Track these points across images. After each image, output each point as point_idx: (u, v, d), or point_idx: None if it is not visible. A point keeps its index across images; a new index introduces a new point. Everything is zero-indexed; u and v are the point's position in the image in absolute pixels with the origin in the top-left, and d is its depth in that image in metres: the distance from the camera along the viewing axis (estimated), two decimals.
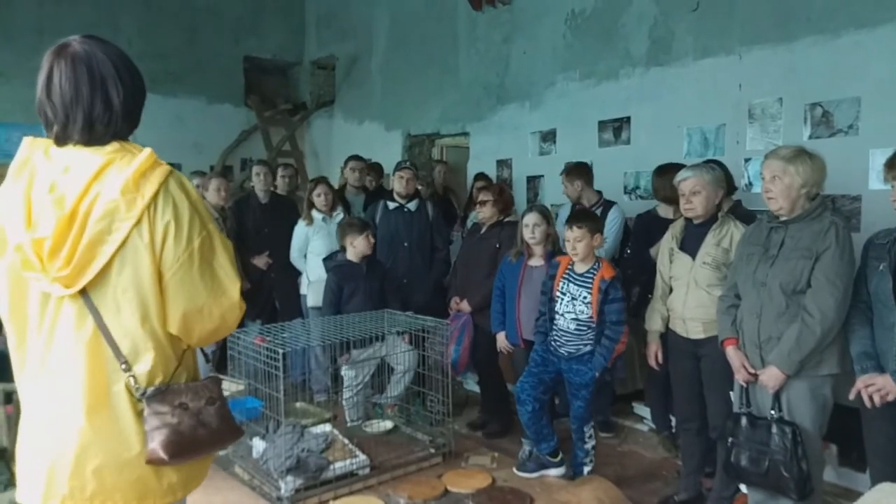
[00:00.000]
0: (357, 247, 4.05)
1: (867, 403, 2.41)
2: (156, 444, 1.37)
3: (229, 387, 4.30)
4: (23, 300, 1.40)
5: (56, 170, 1.38)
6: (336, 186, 5.36)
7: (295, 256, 4.86)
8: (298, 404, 4.40)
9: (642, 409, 4.32)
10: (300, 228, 4.79)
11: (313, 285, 4.64)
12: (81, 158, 1.39)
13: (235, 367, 3.48)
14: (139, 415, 1.40)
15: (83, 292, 1.36)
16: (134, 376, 1.39)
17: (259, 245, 5.16)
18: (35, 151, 1.42)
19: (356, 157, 5.44)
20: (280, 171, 5.64)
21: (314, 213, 4.76)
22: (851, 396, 2.46)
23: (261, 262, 5.07)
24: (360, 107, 7.71)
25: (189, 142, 7.63)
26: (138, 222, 1.35)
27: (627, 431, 4.23)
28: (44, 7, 6.73)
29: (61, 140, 1.42)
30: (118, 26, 7.24)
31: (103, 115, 1.40)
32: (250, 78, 8.25)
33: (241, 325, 4.88)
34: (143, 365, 1.40)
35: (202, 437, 1.43)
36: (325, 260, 4.34)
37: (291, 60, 8.53)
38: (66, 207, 1.33)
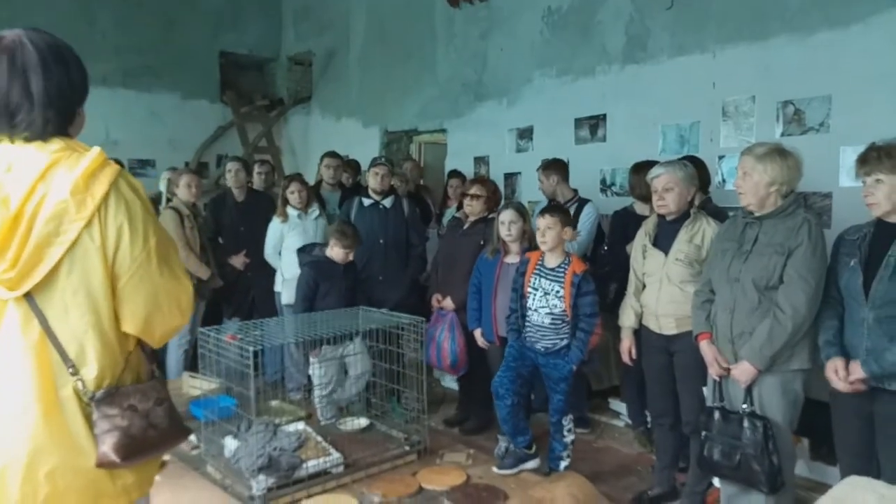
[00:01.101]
0: (335, 253, 3.99)
1: (839, 387, 2.42)
2: (107, 447, 1.35)
3: (202, 385, 4.27)
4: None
5: (17, 169, 1.33)
6: (312, 183, 5.31)
7: (269, 253, 4.81)
8: (273, 402, 4.36)
9: (618, 405, 4.34)
10: (275, 225, 4.74)
11: (287, 283, 4.59)
12: (25, 156, 1.34)
13: (206, 365, 3.42)
14: (89, 418, 1.37)
15: (28, 295, 1.33)
16: (82, 380, 1.36)
17: (236, 243, 5.10)
18: (8, 151, 1.37)
19: (331, 154, 5.40)
20: (256, 168, 5.58)
21: (289, 209, 4.71)
22: (835, 384, 2.46)
23: (238, 261, 5.02)
24: (337, 103, 7.66)
25: (164, 137, 7.54)
26: (88, 223, 1.31)
27: (603, 427, 4.24)
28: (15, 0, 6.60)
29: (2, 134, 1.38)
30: (94, 19, 7.14)
31: (21, 104, 1.35)
32: (227, 73, 8.16)
33: (218, 322, 4.85)
34: (91, 368, 1.37)
35: (152, 437, 1.42)
36: (299, 251, 4.23)
37: (268, 56, 8.46)
38: (10, 209, 1.29)
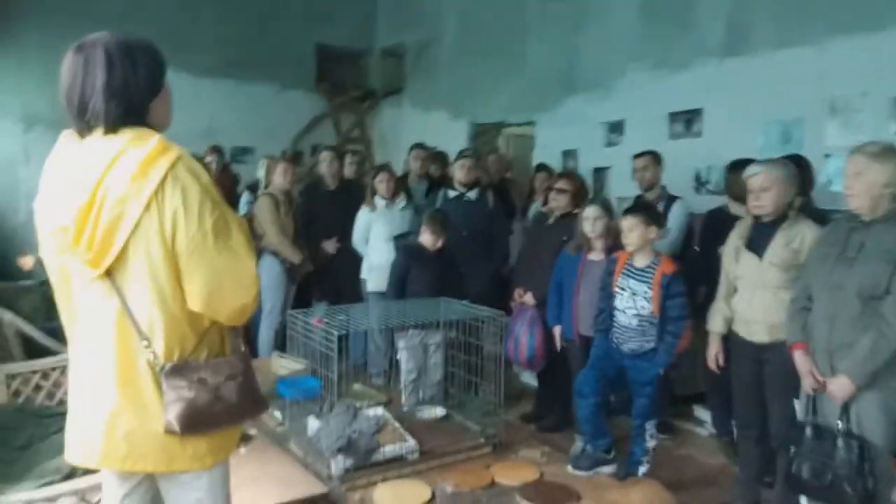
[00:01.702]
0: (425, 238, 4.07)
1: None
2: (171, 416, 1.45)
3: (290, 365, 4.44)
4: (66, 281, 1.53)
5: (79, 160, 1.47)
6: (400, 174, 5.40)
7: (357, 241, 4.93)
8: (356, 386, 4.48)
9: (702, 413, 4.18)
10: (363, 214, 4.85)
11: (373, 270, 4.69)
12: (99, 147, 1.46)
13: (294, 346, 3.56)
14: (160, 387, 1.48)
15: (109, 273, 1.45)
16: (154, 352, 1.47)
17: (327, 229, 5.25)
18: (66, 144, 1.52)
19: (420, 146, 5.46)
20: (348, 158, 5.72)
21: (377, 199, 4.81)
22: None
23: (330, 246, 5.17)
24: (427, 95, 7.73)
25: (263, 126, 7.85)
26: (147, 207, 1.41)
27: (686, 434, 4.10)
28: None
29: (78, 130, 1.51)
30: (197, 14, 7.52)
31: (89, 98, 1.46)
32: (322, 65, 8.40)
33: (308, 304, 5.03)
34: (159, 342, 1.48)
35: (219, 411, 1.50)
36: (396, 238, 4.40)
37: (362, 48, 8.63)
38: (85, 196, 1.42)
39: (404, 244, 4.27)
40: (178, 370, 1.47)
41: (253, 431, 3.41)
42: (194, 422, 1.47)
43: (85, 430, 1.51)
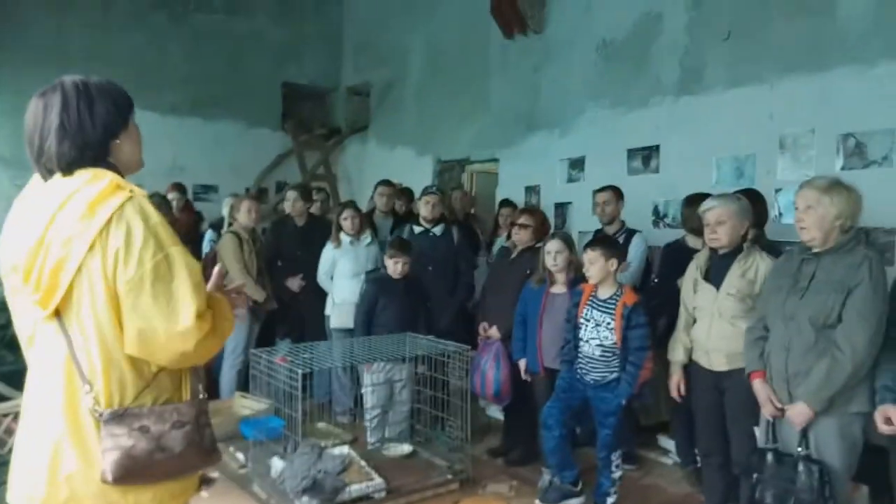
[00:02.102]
0: (389, 265, 4.11)
1: (886, 432, 2.32)
2: (106, 464, 1.40)
3: (253, 405, 4.37)
4: (21, 318, 1.51)
5: (36, 201, 1.47)
6: (366, 210, 5.42)
7: (322, 278, 4.91)
8: (320, 424, 4.42)
9: (667, 442, 4.22)
10: (327, 251, 4.85)
11: (337, 307, 4.67)
12: (56, 188, 1.46)
13: (257, 386, 3.51)
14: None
15: (59, 314, 1.43)
16: (95, 397, 1.42)
17: (294, 266, 5.22)
18: (32, 185, 1.52)
19: (385, 182, 5.51)
20: (313, 195, 5.73)
21: (342, 235, 4.81)
22: (882, 430, 2.36)
23: (294, 284, 5.13)
24: (393, 132, 7.82)
25: (227, 164, 7.84)
26: (91, 247, 1.38)
27: (651, 464, 4.12)
28: (95, 34, 7.03)
29: (40, 173, 1.51)
30: (165, 52, 7.53)
31: (44, 140, 1.47)
32: (288, 103, 8.46)
33: (272, 342, 4.97)
34: (100, 386, 1.43)
35: (159, 461, 1.43)
36: (367, 273, 4.47)
37: (328, 86, 8.73)
38: (35, 236, 1.41)
39: (373, 276, 4.31)
40: (118, 417, 1.41)
41: (215, 474, 3.33)
42: (129, 472, 1.40)
43: (29, 472, 1.46)
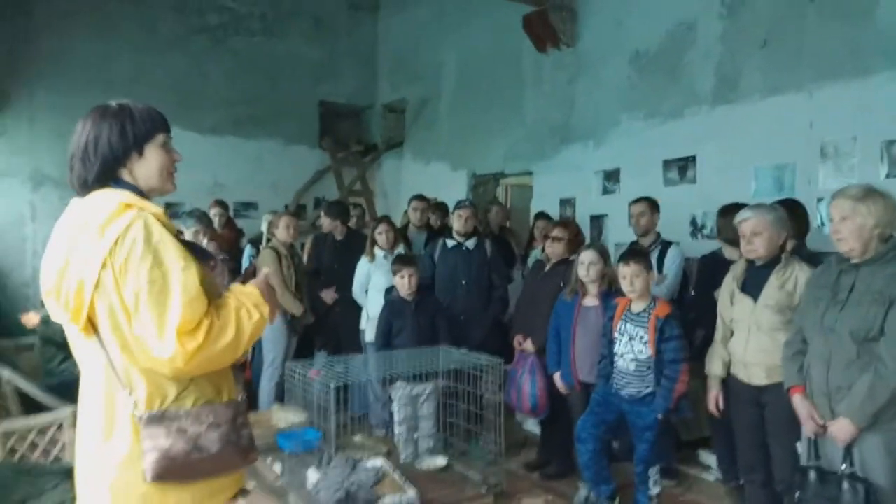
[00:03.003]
0: (397, 285, 4.13)
1: None
2: (146, 464, 1.46)
3: (290, 417, 4.42)
4: (69, 336, 1.59)
5: (63, 223, 1.57)
6: (400, 225, 5.47)
7: (357, 292, 4.96)
8: (357, 437, 4.44)
9: (708, 457, 4.12)
10: (362, 265, 4.90)
11: (371, 321, 4.71)
12: (76, 209, 1.56)
13: (293, 398, 3.55)
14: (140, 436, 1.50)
15: (93, 327, 1.50)
16: (136, 402, 1.49)
17: (331, 280, 5.30)
18: (68, 207, 1.61)
19: (419, 197, 5.55)
20: (349, 211, 5.81)
21: (376, 249, 4.86)
22: None
23: (328, 296, 5.20)
24: (428, 147, 7.88)
25: (267, 181, 8.01)
26: (104, 266, 1.46)
27: (692, 480, 4.03)
28: (139, 58, 7.29)
29: (76, 192, 1.62)
30: (206, 75, 7.75)
31: (72, 161, 1.60)
32: (325, 121, 8.61)
33: (309, 355, 5.04)
34: (140, 391, 1.50)
35: (195, 461, 1.49)
36: (386, 291, 4.45)
37: (364, 104, 8.85)
38: (61, 260, 1.51)
39: (388, 299, 4.32)
40: (156, 419, 1.48)
41: (251, 485, 3.37)
42: (168, 472, 1.47)
43: (81, 482, 1.54)
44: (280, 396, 4.91)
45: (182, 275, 1.48)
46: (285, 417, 4.51)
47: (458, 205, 4.71)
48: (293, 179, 8.21)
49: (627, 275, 3.32)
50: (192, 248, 1.78)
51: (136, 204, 1.53)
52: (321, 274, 5.32)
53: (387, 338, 4.12)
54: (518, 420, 4.96)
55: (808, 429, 2.58)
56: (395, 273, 4.16)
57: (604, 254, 3.71)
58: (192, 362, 1.46)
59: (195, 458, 1.49)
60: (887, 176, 3.73)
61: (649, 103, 5.23)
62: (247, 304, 1.57)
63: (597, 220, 5.65)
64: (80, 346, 1.55)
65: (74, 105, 1.69)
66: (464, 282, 4.47)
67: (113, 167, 1.58)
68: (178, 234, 1.67)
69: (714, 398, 3.16)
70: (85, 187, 1.57)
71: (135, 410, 1.48)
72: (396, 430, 4.02)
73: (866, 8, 3.89)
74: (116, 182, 1.58)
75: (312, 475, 3.45)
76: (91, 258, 1.45)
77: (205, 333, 1.47)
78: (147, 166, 1.61)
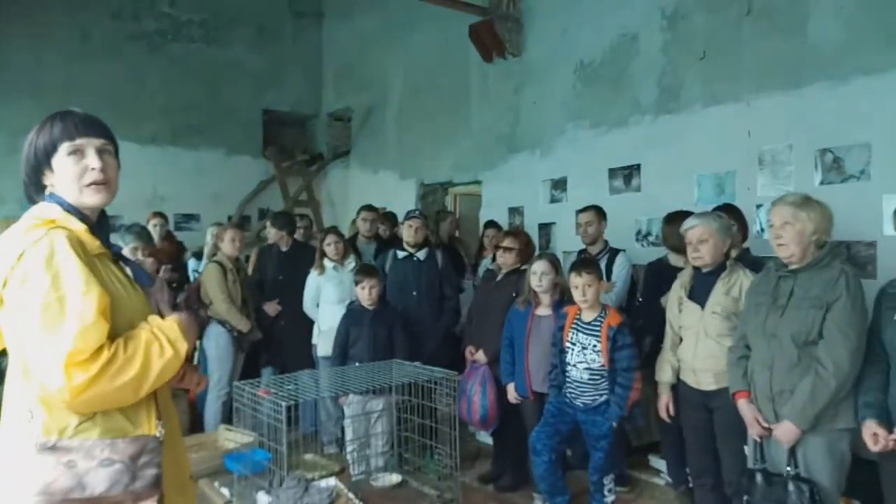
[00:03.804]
0: (357, 294, 4.11)
1: (874, 450, 2.32)
2: (25, 496, 1.37)
3: (238, 438, 4.29)
4: None
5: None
6: (348, 235, 5.39)
7: (308, 306, 4.86)
8: (308, 456, 4.35)
9: (658, 462, 4.19)
10: (312, 278, 4.81)
11: (323, 334, 4.63)
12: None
13: (241, 418, 3.45)
14: None
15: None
16: (35, 428, 1.41)
17: (275, 292, 5.17)
18: None
19: (368, 207, 5.49)
20: (296, 222, 5.68)
21: (326, 261, 4.78)
22: (871, 448, 2.35)
23: (270, 308, 5.08)
24: (375, 156, 7.82)
25: (209, 192, 7.79)
26: (5, 284, 1.39)
27: (643, 485, 4.09)
28: (73, 65, 7.01)
29: None
30: (143, 82, 7.51)
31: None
32: (269, 130, 8.45)
33: (256, 373, 4.90)
34: (38, 419, 1.42)
35: (77, 499, 1.38)
36: (349, 304, 4.47)
37: (309, 112, 8.73)
38: None
39: (349, 307, 4.33)
40: (49, 448, 1.38)
41: None
42: None
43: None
44: (227, 417, 4.77)
45: (80, 300, 1.38)
46: (233, 438, 4.39)
47: (408, 215, 4.68)
48: (236, 190, 8.02)
49: (580, 284, 3.34)
50: (134, 272, 1.69)
51: (57, 220, 1.46)
52: (264, 287, 5.19)
53: (344, 347, 4.12)
54: (471, 431, 4.94)
55: (753, 432, 2.65)
56: (356, 283, 4.15)
57: (555, 263, 3.73)
58: (81, 397, 1.35)
59: (76, 496, 1.37)
60: (821, 183, 3.87)
61: (594, 112, 5.31)
62: (161, 338, 1.46)
63: (545, 228, 5.70)
64: (4, 363, 1.49)
65: (5, 115, 1.60)
66: (414, 293, 4.44)
67: (36, 181, 1.54)
68: (108, 252, 1.58)
69: (665, 404, 3.21)
70: (29, 200, 1.55)
71: (35, 437, 1.39)
72: (348, 447, 3.96)
73: (798, 22, 4.04)
74: (50, 196, 1.52)
75: (263, 498, 3.36)
76: (1, 274, 1.39)
77: (100, 366, 1.36)
78: (61, 179, 1.53)
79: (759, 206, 4.18)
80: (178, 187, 7.59)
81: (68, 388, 1.33)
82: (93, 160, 1.54)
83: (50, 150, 1.53)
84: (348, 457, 3.95)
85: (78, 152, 1.53)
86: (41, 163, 1.53)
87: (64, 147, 1.53)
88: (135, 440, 1.45)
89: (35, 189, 1.55)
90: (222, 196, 7.87)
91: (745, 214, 3.87)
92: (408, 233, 4.56)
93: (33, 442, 1.39)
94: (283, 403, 3.01)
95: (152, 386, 1.44)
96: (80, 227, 1.49)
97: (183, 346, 1.48)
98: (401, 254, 4.59)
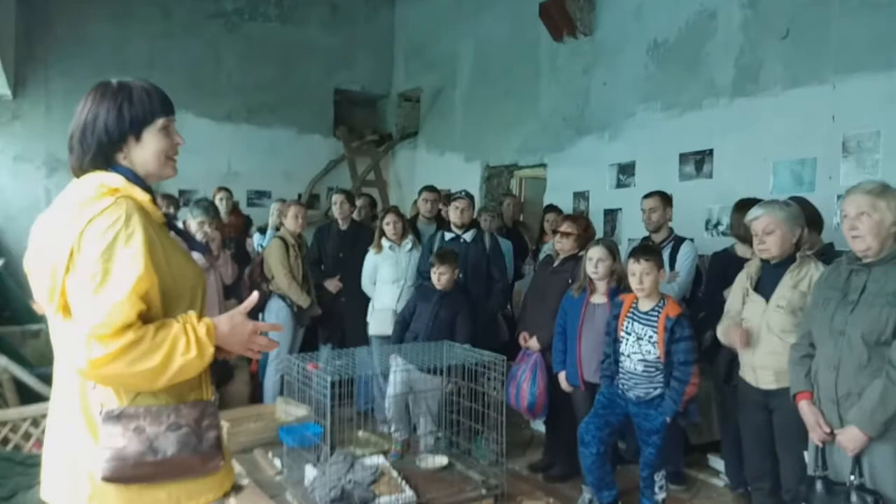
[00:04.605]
0: (433, 276, 4.11)
1: None
2: (98, 463, 1.40)
3: (295, 411, 4.38)
4: (49, 317, 1.51)
5: (55, 204, 1.51)
6: (409, 216, 5.39)
7: (365, 284, 4.91)
8: (361, 433, 4.39)
9: (717, 462, 4.01)
10: (370, 257, 4.84)
11: (377, 313, 4.66)
12: (66, 192, 1.50)
13: (291, 392, 3.51)
14: None
15: (69, 312, 1.42)
16: (101, 396, 1.43)
17: (335, 270, 5.25)
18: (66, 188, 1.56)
19: (429, 188, 5.47)
20: (358, 202, 5.75)
21: (383, 241, 4.80)
22: None
23: (332, 285, 5.16)
24: (442, 138, 7.78)
25: (280, 170, 7.97)
26: (71, 252, 1.39)
27: (700, 485, 3.92)
28: (155, 43, 7.28)
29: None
30: (220, 61, 7.72)
31: (71, 141, 1.54)
32: (340, 109, 8.55)
33: (316, 348, 5.00)
34: (101, 387, 1.44)
35: (150, 462, 1.42)
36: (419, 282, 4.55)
37: (380, 93, 8.77)
38: (42, 240, 1.45)
39: (420, 284, 4.39)
40: (115, 417, 1.42)
41: (245, 481, 3.34)
42: (119, 473, 1.40)
43: (54, 469, 1.49)
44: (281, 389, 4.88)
45: (120, 275, 1.38)
46: (290, 411, 4.49)
47: (455, 196, 4.63)
48: (307, 168, 8.17)
49: (637, 272, 3.21)
50: (190, 243, 1.72)
51: (121, 189, 1.47)
52: (324, 265, 5.26)
53: (406, 321, 4.22)
54: (527, 418, 4.88)
55: (815, 437, 2.47)
56: (430, 266, 4.18)
57: (613, 250, 3.60)
58: (98, 371, 1.35)
59: (149, 459, 1.42)
60: None
61: (666, 94, 5.08)
62: (190, 335, 1.44)
63: (610, 215, 5.53)
64: (57, 330, 1.48)
65: (87, 91, 1.61)
66: (460, 275, 4.39)
67: (109, 151, 1.52)
68: (171, 223, 1.62)
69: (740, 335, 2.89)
70: (81, 169, 1.52)
71: (102, 405, 1.42)
72: (387, 403, 4.00)
73: None
74: (111, 165, 1.53)
75: (310, 472, 3.41)
76: (63, 241, 1.39)
77: (122, 346, 1.35)
78: (144, 151, 1.55)
79: (840, 197, 3.89)
80: (251, 164, 7.80)
81: (87, 359, 1.34)
82: (178, 136, 1.61)
83: (145, 122, 1.54)
84: (391, 434, 3.97)
85: (169, 127, 1.58)
86: (126, 133, 1.52)
87: (160, 121, 1.56)
88: (195, 404, 1.51)
89: (103, 158, 1.52)
90: (293, 174, 8.03)
91: (827, 204, 3.62)
92: (454, 214, 4.52)
93: (100, 410, 1.42)
94: (329, 378, 3.03)
95: (170, 380, 1.42)
96: (144, 198, 1.51)
97: (208, 350, 1.46)
98: (448, 235, 4.55)
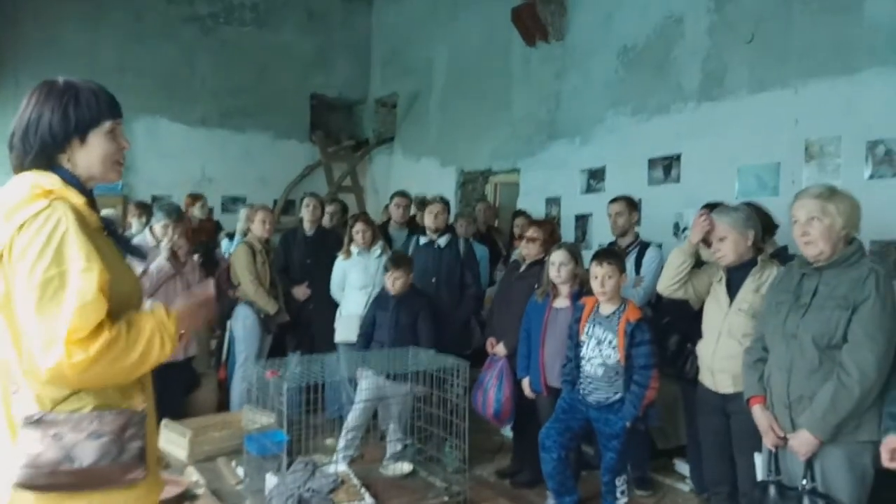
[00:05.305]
0: (386, 282, 4.07)
1: (886, 464, 2.12)
2: (14, 469, 1.37)
3: (260, 419, 4.33)
4: None
5: None
6: (380, 221, 5.36)
7: (334, 290, 4.86)
8: (329, 441, 4.35)
9: (683, 467, 4.00)
10: (339, 263, 4.80)
11: (343, 319, 4.62)
12: (3, 190, 1.46)
13: (252, 399, 3.46)
14: None
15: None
16: (23, 401, 1.39)
17: (302, 277, 5.19)
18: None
19: (401, 193, 5.45)
20: (327, 208, 5.70)
21: (352, 247, 4.76)
22: (888, 465, 2.15)
23: (300, 292, 5.10)
24: (418, 143, 7.78)
25: (256, 175, 7.93)
26: (2, 254, 1.36)
27: (666, 490, 3.91)
28: (127, 47, 7.22)
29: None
30: (194, 65, 7.67)
31: (10, 142, 1.50)
32: (316, 114, 8.52)
33: (283, 355, 4.94)
34: (24, 391, 1.40)
35: (66, 471, 1.37)
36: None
37: (356, 98, 8.76)
38: None
39: (379, 292, 4.30)
40: (35, 422, 1.38)
41: (201, 491, 3.29)
42: (32, 480, 1.36)
43: None
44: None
45: (80, 276, 1.35)
46: (255, 419, 4.43)
47: (429, 201, 4.61)
48: (283, 174, 8.13)
49: (599, 275, 3.20)
50: (126, 247, 1.67)
51: (55, 191, 1.42)
52: (290, 271, 5.21)
53: (368, 332, 4.16)
54: (495, 424, 4.85)
55: (768, 441, 2.47)
56: (385, 270, 4.14)
57: (575, 254, 3.59)
58: (78, 375, 1.34)
59: (65, 468, 1.37)
60: (871, 177, 3.59)
61: (636, 99, 5.10)
62: (164, 333, 1.46)
63: (581, 220, 5.53)
64: None
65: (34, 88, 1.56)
66: (434, 279, 4.37)
67: (52, 152, 1.48)
68: (109, 228, 1.57)
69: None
70: (21, 167, 1.47)
71: (20, 410, 1.38)
72: (343, 431, 3.94)
73: (854, 3, 3.75)
74: (52, 167, 1.48)
75: (271, 480, 3.37)
76: None
77: (101, 347, 1.35)
78: (90, 154, 1.51)
79: None
80: (225, 169, 7.75)
81: (67, 365, 1.32)
82: (124, 140, 1.58)
83: (91, 124, 1.50)
84: (341, 443, 3.90)
85: (116, 130, 1.55)
86: (71, 134, 1.48)
87: (106, 124, 1.52)
88: (121, 413, 1.46)
89: (45, 159, 1.47)
90: (269, 179, 7.99)
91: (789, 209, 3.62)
92: (429, 218, 4.50)
93: (20, 414, 1.38)
94: (285, 385, 2.99)
95: (143, 372, 1.48)
96: (79, 201, 1.46)
97: (176, 339, 1.51)
98: (423, 240, 4.54)
